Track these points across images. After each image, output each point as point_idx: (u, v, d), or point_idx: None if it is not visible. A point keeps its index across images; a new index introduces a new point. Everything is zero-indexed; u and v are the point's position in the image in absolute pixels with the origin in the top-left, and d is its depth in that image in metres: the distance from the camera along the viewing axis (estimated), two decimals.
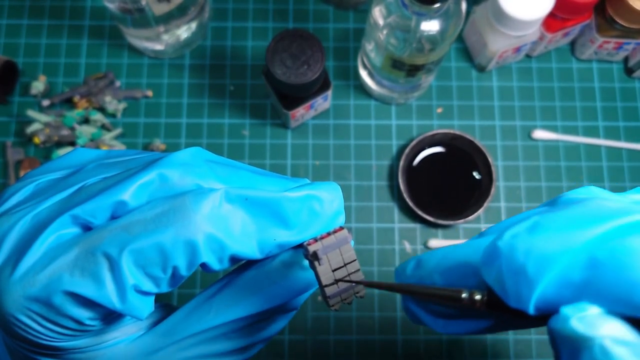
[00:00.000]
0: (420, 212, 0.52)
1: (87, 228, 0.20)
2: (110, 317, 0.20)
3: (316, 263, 0.21)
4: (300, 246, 0.22)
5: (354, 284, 0.21)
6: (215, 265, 0.20)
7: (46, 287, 0.19)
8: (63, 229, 0.19)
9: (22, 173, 0.53)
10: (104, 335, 0.22)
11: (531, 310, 0.17)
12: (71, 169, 0.22)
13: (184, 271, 0.19)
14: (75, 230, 0.20)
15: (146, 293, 0.20)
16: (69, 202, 0.20)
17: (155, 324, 0.23)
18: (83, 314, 0.19)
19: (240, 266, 0.23)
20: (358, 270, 0.21)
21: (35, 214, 0.20)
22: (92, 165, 0.22)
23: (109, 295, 0.19)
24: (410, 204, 0.52)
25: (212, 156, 0.22)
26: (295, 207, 0.20)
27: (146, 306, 0.20)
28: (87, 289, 0.19)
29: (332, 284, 0.21)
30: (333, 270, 0.21)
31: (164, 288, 0.20)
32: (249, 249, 0.20)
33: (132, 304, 0.19)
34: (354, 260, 0.21)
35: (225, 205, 0.20)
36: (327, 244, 0.21)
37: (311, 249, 0.20)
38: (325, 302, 0.21)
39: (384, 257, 0.53)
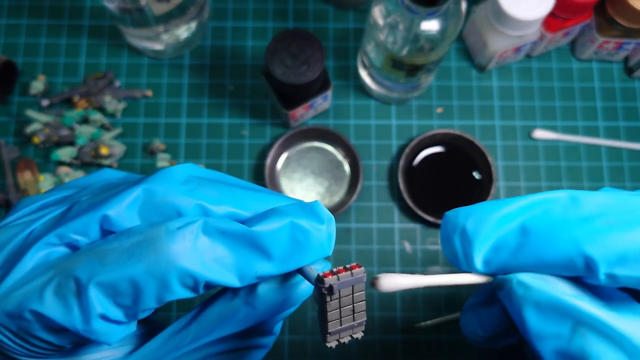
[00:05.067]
0: (420, 212, 0.52)
1: (73, 247, 0.20)
2: (80, 339, 0.20)
3: (328, 297, 0.19)
4: (298, 271, 0.21)
5: (355, 324, 0.21)
6: (188, 295, 0.19)
7: (19, 305, 0.19)
8: (50, 248, 0.20)
9: (18, 175, 0.53)
10: (82, 357, 0.22)
11: (479, 267, 0.20)
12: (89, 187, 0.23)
13: (154, 304, 0.19)
14: (62, 249, 0.20)
15: (115, 321, 0.19)
16: (59, 220, 0.20)
17: (139, 346, 0.23)
18: (50, 333, 0.19)
19: (219, 291, 0.23)
20: (364, 311, 0.21)
21: (30, 231, 0.20)
22: (100, 184, 0.22)
23: (73, 320, 0.19)
24: (410, 204, 0.52)
25: (202, 173, 0.22)
26: (277, 238, 0.20)
27: (115, 332, 0.19)
28: (54, 311, 0.19)
29: (336, 319, 0.20)
30: (340, 307, 0.20)
31: (134, 317, 0.20)
32: (228, 280, 0.19)
33: (97, 330, 0.19)
34: (363, 301, 0.20)
35: (202, 239, 0.19)
36: (344, 279, 0.19)
37: (328, 281, 0.19)
38: (323, 337, 0.20)
39: (383, 257, 0.53)
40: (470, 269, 0.20)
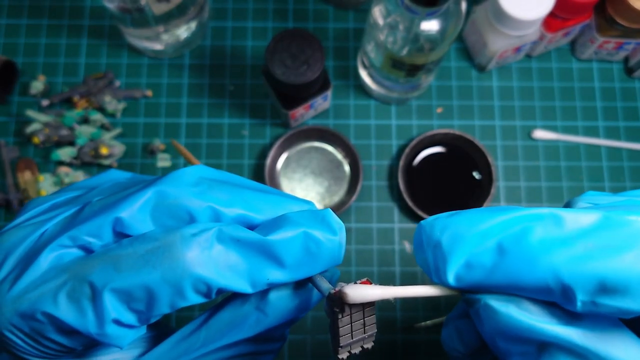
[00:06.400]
0: (420, 212, 0.52)
1: (86, 249, 0.20)
2: (91, 342, 0.20)
3: (340, 315, 0.20)
4: (309, 280, 0.21)
5: (366, 336, 0.21)
6: (201, 300, 0.20)
7: (32, 307, 0.19)
8: (63, 250, 0.20)
9: (18, 175, 0.53)
10: (92, 359, 0.22)
11: (451, 281, 0.19)
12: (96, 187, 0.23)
13: (167, 310, 0.19)
14: (74, 251, 0.20)
15: (128, 325, 0.19)
16: (71, 221, 0.20)
17: (148, 349, 0.23)
18: (63, 336, 0.19)
19: (228, 296, 0.23)
20: (374, 323, 0.21)
21: (42, 232, 0.20)
22: (108, 184, 0.22)
23: (87, 324, 0.19)
24: (410, 204, 0.52)
25: (213, 174, 0.22)
26: (290, 247, 0.20)
27: (126, 336, 0.20)
28: (67, 314, 0.19)
29: (348, 334, 0.20)
30: (352, 322, 0.20)
31: (147, 322, 0.20)
32: (240, 286, 0.20)
33: (110, 334, 0.19)
34: (373, 315, 0.21)
35: (216, 247, 0.19)
36: None
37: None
38: (335, 350, 0.21)
39: (383, 257, 0.53)
40: (440, 282, 0.20)
